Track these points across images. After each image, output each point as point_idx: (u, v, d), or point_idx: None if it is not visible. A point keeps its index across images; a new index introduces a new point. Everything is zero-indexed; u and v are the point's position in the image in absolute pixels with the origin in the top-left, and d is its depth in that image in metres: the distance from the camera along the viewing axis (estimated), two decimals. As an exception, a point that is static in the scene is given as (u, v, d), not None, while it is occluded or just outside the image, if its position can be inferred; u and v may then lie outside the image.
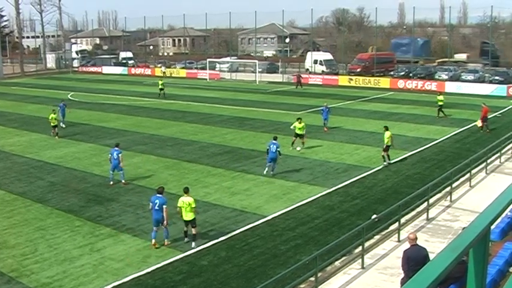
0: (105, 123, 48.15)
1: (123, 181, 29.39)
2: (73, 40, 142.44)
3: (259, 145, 38.41)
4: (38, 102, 63.77)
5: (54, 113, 42.65)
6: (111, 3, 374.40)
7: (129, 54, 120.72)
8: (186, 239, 21.16)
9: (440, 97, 49.65)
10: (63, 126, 45.44)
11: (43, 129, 45.58)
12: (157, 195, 21.45)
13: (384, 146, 32.77)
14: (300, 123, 36.36)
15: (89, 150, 38.10)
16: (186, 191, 21.11)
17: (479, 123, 43.32)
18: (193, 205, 20.69)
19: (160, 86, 67.40)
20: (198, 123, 47.95)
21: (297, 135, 36.51)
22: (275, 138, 31.26)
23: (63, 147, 38.88)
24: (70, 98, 67.45)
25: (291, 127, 37.30)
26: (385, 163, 32.77)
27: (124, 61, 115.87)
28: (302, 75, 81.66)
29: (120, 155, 29.27)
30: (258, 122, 48.15)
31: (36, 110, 57.46)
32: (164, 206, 20.94)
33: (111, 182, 29.52)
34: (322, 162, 33.49)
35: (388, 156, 32.86)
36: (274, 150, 30.29)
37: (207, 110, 55.65)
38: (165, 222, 20.95)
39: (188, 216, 20.69)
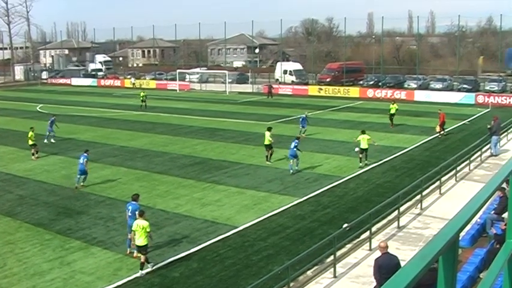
0: (75, 135, 47.74)
1: (78, 184, 30.88)
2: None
3: (230, 156, 38.42)
4: (6, 115, 63.05)
5: (33, 131, 39.87)
6: (79, 14, 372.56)
7: (99, 66, 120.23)
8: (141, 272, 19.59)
9: (394, 105, 50.06)
10: (53, 141, 44.78)
11: (12, 141, 45.15)
12: (131, 202, 21.51)
13: (359, 150, 34.66)
14: (268, 131, 36.52)
15: (58, 162, 37.76)
16: (141, 214, 20.09)
17: (437, 128, 44.73)
18: (148, 229, 19.58)
19: (141, 98, 67.02)
20: (168, 134, 47.79)
21: (266, 146, 36.25)
22: (297, 138, 34.94)
23: (32, 160, 38.45)
24: (39, 110, 66.92)
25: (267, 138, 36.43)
26: (361, 164, 34.61)
27: (93, 73, 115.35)
28: (273, 86, 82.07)
29: (85, 160, 30.66)
30: (228, 132, 48.13)
31: (4, 123, 56.83)
32: (136, 212, 20.80)
33: (76, 185, 30.79)
34: (292, 172, 33.50)
35: (366, 156, 34.88)
36: (292, 147, 33.31)
37: (177, 121, 55.49)
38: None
39: (140, 241, 19.50)
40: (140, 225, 19.50)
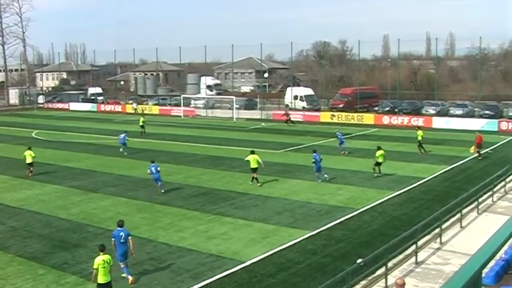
0: (72, 163, 47.81)
1: (162, 190, 36.46)
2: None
3: (237, 186, 38.35)
4: None
5: (31, 149, 43.37)
6: (79, 35, 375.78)
7: (99, 90, 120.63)
8: None
9: (420, 132, 50.30)
10: (125, 153, 52.16)
11: (4, 169, 45.31)
12: (119, 228, 21.79)
13: (375, 162, 40.14)
14: (254, 154, 38.97)
15: (54, 192, 37.75)
16: (102, 249, 19.89)
17: (472, 149, 46.29)
18: (111, 262, 19.76)
19: (141, 123, 67.26)
20: (171, 163, 47.75)
21: (253, 169, 38.53)
22: (315, 151, 40.17)
23: (26, 189, 38.49)
24: (34, 136, 67.15)
25: (246, 159, 39.45)
26: (375, 174, 40.05)
27: (93, 97, 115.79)
28: (288, 112, 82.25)
29: (157, 168, 36.57)
30: (236, 161, 48.02)
31: (-3, 150, 57.08)
32: (129, 237, 21.48)
33: (162, 191, 36.39)
34: (303, 204, 33.43)
35: (379, 169, 40.08)
36: (320, 160, 38.98)
37: (181, 149, 55.57)
38: (132, 252, 21.49)
39: (104, 278, 19.44)
40: (106, 260, 19.45)
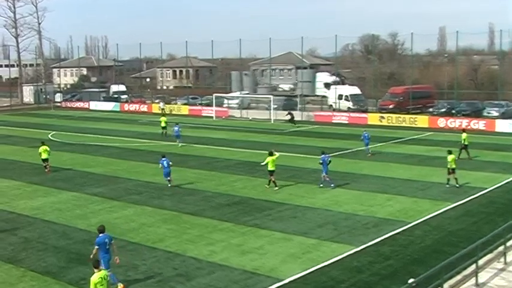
0: (92, 169, 48.13)
1: (169, 185, 40.39)
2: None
3: (274, 195, 38.26)
4: (12, 143, 64.09)
5: (45, 144, 46.76)
6: (100, 27, 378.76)
7: (122, 88, 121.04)
8: None
9: (464, 135, 49.94)
10: (180, 145, 59.91)
11: (18, 175, 45.67)
12: (102, 235, 22.07)
13: (450, 170, 39.66)
14: (272, 156, 40.43)
15: (72, 200, 37.97)
16: (97, 265, 19.59)
17: None
18: (108, 278, 19.65)
19: (163, 124, 67.79)
20: (201, 169, 47.89)
21: (270, 172, 40.15)
22: (323, 152, 41.11)
23: (41, 197, 38.77)
24: (51, 138, 67.69)
25: (262, 163, 41.14)
26: (447, 185, 39.60)
27: (116, 95, 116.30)
28: (292, 112, 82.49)
29: (169, 163, 40.20)
30: (273, 167, 48.00)
31: (9, 152, 57.72)
32: (112, 242, 22.02)
33: (169, 185, 40.35)
34: (348, 216, 33.26)
35: (455, 179, 39.60)
36: (328, 162, 40.14)
37: (213, 154, 55.68)
38: (116, 258, 22.00)
39: None
40: (103, 277, 19.21)
